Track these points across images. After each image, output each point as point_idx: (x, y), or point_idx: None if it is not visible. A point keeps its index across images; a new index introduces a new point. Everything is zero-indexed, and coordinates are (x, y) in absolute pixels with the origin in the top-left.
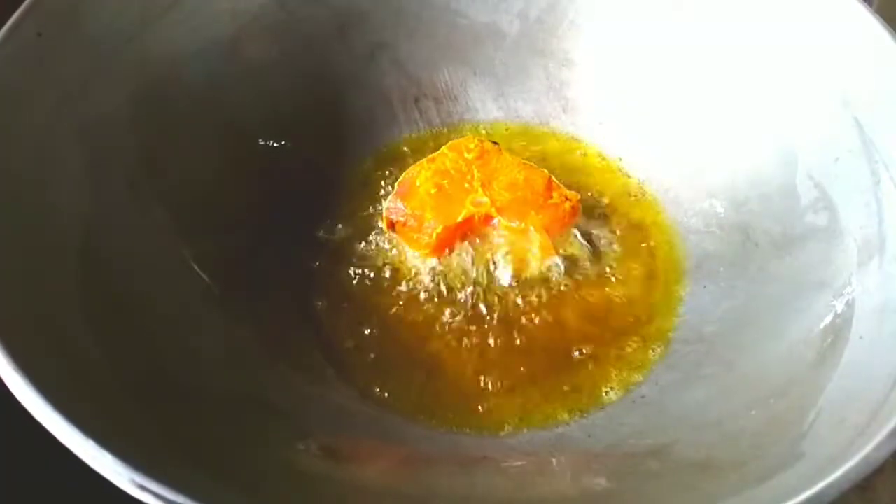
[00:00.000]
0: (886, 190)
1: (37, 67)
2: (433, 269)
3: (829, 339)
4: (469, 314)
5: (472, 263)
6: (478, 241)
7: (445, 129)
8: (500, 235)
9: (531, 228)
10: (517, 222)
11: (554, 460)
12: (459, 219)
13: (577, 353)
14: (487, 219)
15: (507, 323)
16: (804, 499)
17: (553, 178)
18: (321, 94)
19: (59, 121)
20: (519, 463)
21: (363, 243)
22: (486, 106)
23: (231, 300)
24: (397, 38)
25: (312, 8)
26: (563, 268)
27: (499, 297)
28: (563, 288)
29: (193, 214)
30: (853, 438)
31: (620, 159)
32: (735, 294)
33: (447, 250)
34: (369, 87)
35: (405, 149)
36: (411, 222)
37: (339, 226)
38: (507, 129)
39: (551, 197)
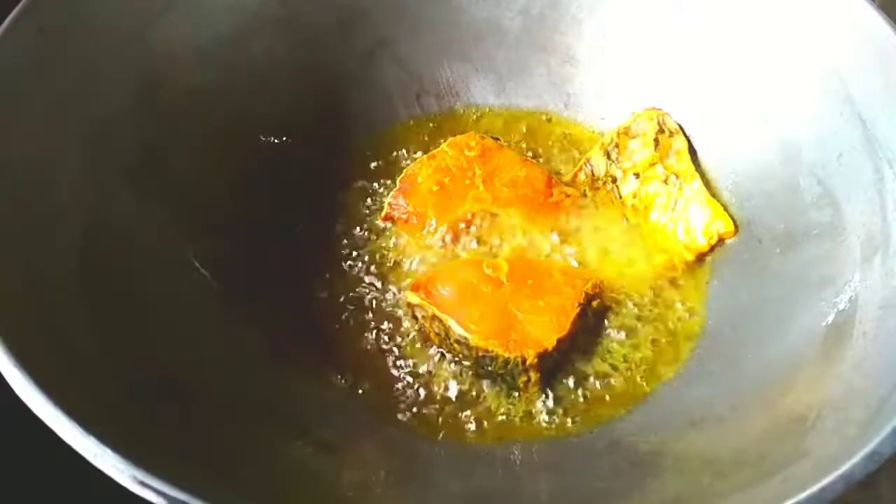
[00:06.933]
0: (890, 186)
1: (38, 63)
2: (433, 264)
3: (833, 336)
4: None
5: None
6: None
7: (446, 125)
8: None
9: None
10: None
11: (554, 457)
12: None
13: None
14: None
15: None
16: (808, 495)
17: (553, 175)
18: (322, 90)
19: (61, 117)
20: (516, 459)
21: (363, 238)
22: (487, 102)
23: (231, 297)
24: (398, 34)
25: (313, 5)
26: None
27: None
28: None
29: (194, 212)
30: (857, 435)
31: None
32: (739, 291)
33: (449, 244)
34: (370, 84)
35: (406, 145)
36: (413, 220)
37: (340, 221)
38: (507, 125)
39: (552, 194)
